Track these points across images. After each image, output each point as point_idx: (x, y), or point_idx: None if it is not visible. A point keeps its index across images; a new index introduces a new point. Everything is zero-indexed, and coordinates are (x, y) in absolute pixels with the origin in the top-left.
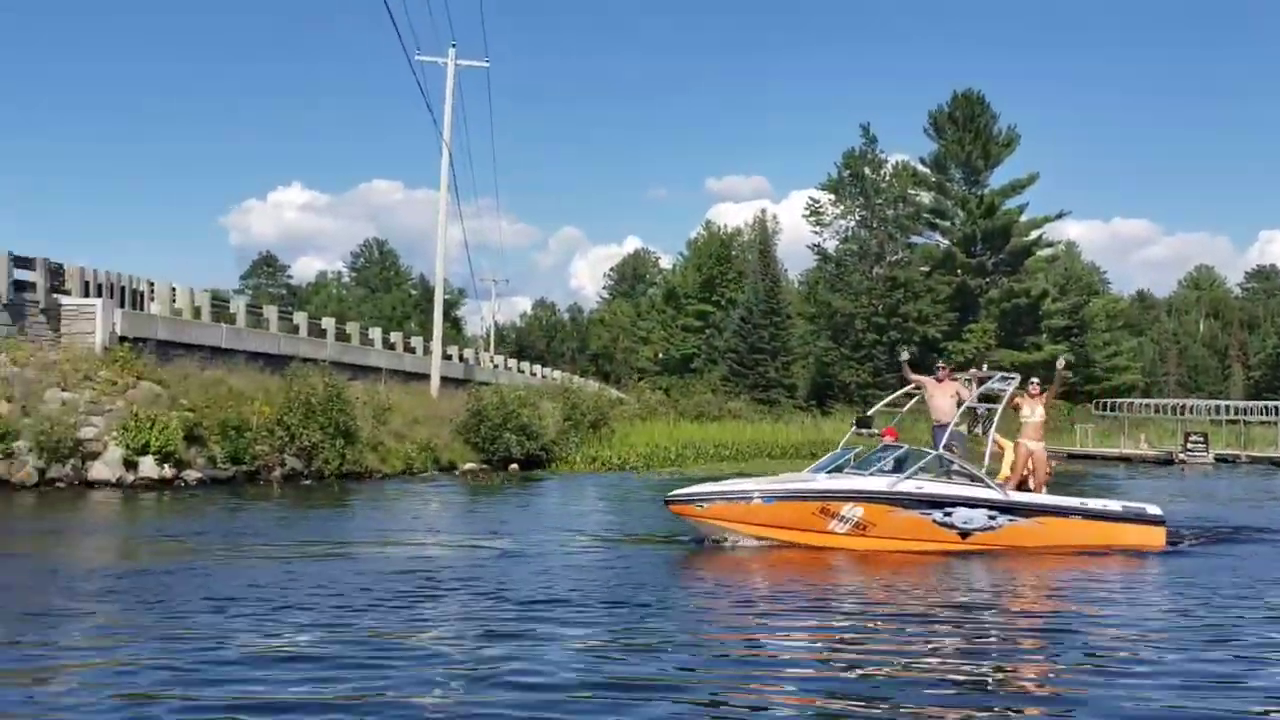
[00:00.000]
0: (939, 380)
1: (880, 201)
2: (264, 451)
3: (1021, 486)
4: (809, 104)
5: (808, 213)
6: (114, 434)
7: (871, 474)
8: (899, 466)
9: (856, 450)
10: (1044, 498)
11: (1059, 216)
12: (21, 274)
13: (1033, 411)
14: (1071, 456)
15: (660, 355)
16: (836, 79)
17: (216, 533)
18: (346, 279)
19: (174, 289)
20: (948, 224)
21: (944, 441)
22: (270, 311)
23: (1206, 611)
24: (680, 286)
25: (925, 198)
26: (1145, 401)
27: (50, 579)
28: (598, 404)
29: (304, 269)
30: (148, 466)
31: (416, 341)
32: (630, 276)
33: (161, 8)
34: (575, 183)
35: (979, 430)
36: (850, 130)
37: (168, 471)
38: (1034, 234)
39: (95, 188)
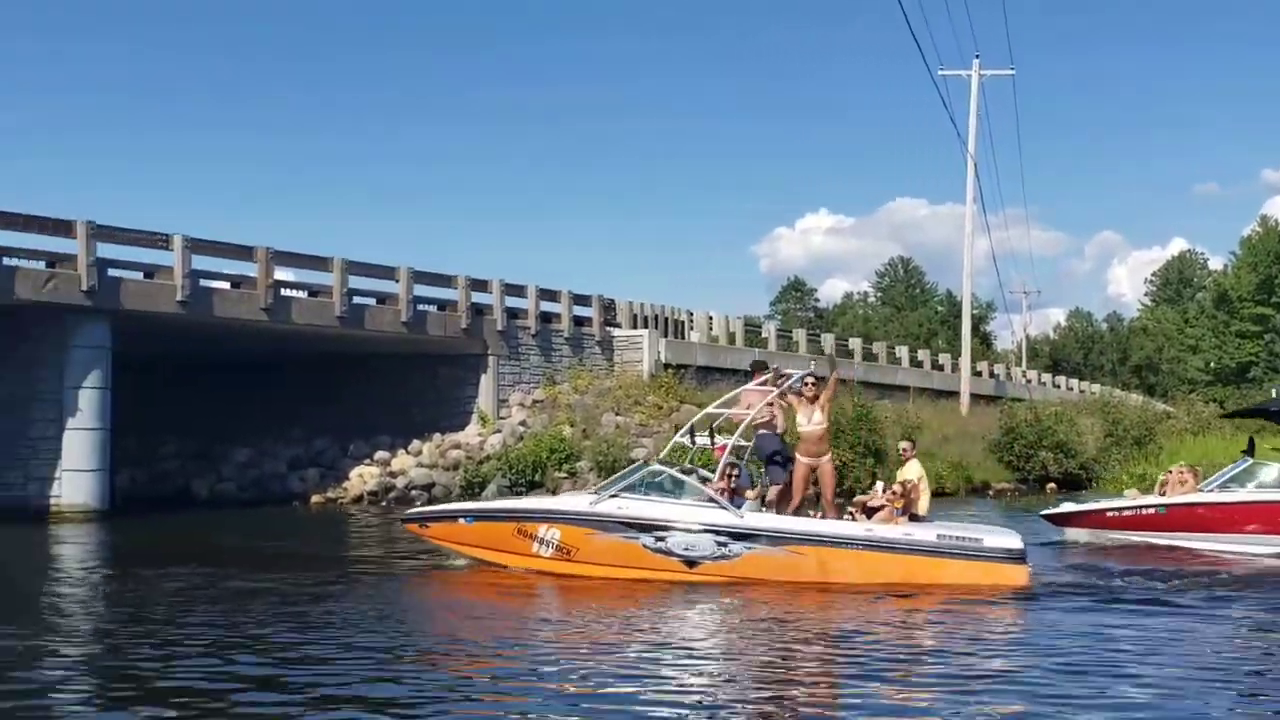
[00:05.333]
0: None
1: None
2: None
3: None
4: None
5: None
6: (662, 454)
7: (592, 491)
8: (654, 485)
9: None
10: (805, 522)
11: None
12: (580, 310)
13: (808, 419)
14: None
15: (1212, 364)
16: None
17: None
18: (872, 298)
19: (710, 317)
20: None
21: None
22: (799, 334)
23: None
24: (1234, 289)
25: None
26: None
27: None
28: (1142, 419)
29: (830, 291)
30: None
31: (944, 358)
32: (1176, 281)
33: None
34: (1113, 184)
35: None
36: None
37: None
38: None
39: (643, 230)
